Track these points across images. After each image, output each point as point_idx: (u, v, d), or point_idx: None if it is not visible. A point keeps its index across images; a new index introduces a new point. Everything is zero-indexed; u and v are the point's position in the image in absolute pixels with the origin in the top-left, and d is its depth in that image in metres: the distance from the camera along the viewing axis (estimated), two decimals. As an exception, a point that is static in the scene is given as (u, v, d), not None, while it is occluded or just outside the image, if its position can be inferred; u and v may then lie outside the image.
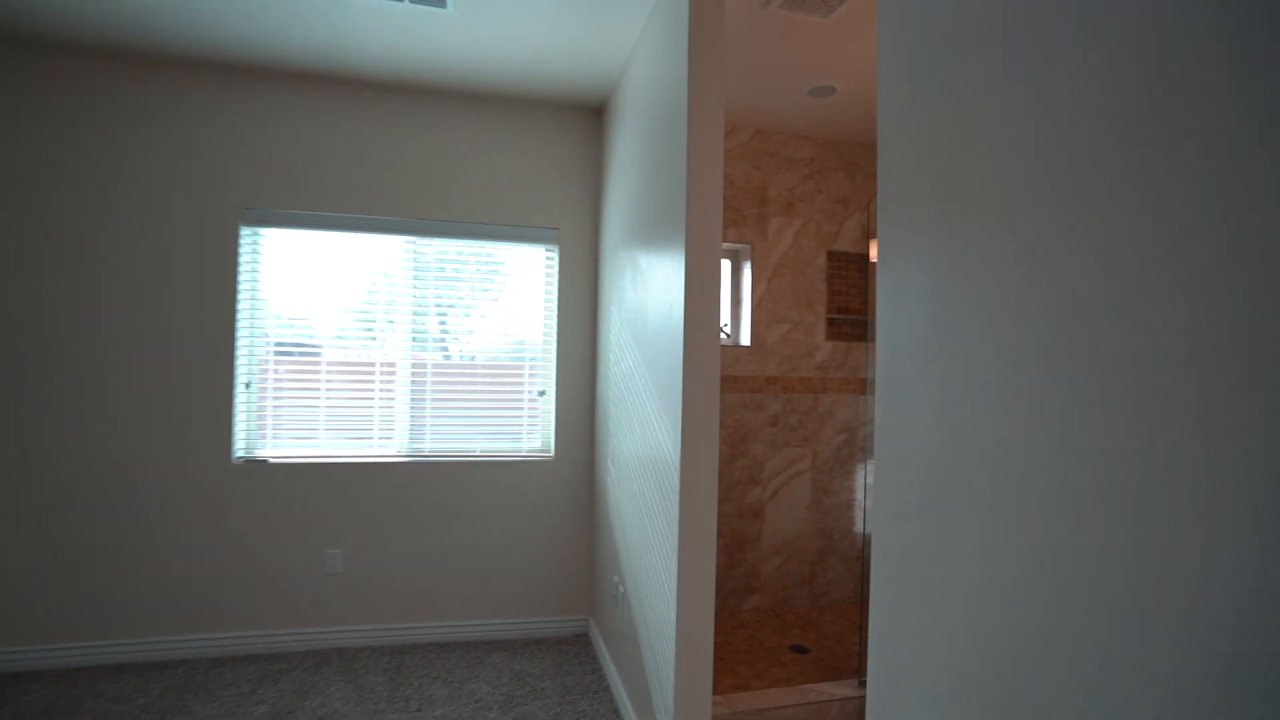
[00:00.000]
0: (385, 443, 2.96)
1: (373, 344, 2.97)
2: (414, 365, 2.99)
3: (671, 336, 1.93)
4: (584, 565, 3.12)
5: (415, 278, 3.00)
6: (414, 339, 2.99)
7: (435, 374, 3.02)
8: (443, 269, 3.03)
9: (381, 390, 2.96)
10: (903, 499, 0.91)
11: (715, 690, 2.48)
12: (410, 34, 2.46)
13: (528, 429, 3.10)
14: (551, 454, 3.09)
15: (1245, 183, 0.49)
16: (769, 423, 3.36)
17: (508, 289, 3.10)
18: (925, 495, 0.86)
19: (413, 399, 2.98)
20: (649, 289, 2.20)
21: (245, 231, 2.81)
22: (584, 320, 3.12)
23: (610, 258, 2.85)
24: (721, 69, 1.89)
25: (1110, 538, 0.59)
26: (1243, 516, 0.48)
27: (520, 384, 3.10)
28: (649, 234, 2.22)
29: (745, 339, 3.36)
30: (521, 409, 3.09)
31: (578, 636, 3.05)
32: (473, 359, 3.07)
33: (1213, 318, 0.51)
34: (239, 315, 2.79)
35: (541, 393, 3.11)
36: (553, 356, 3.11)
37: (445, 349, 3.05)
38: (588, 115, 3.14)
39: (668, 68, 2.04)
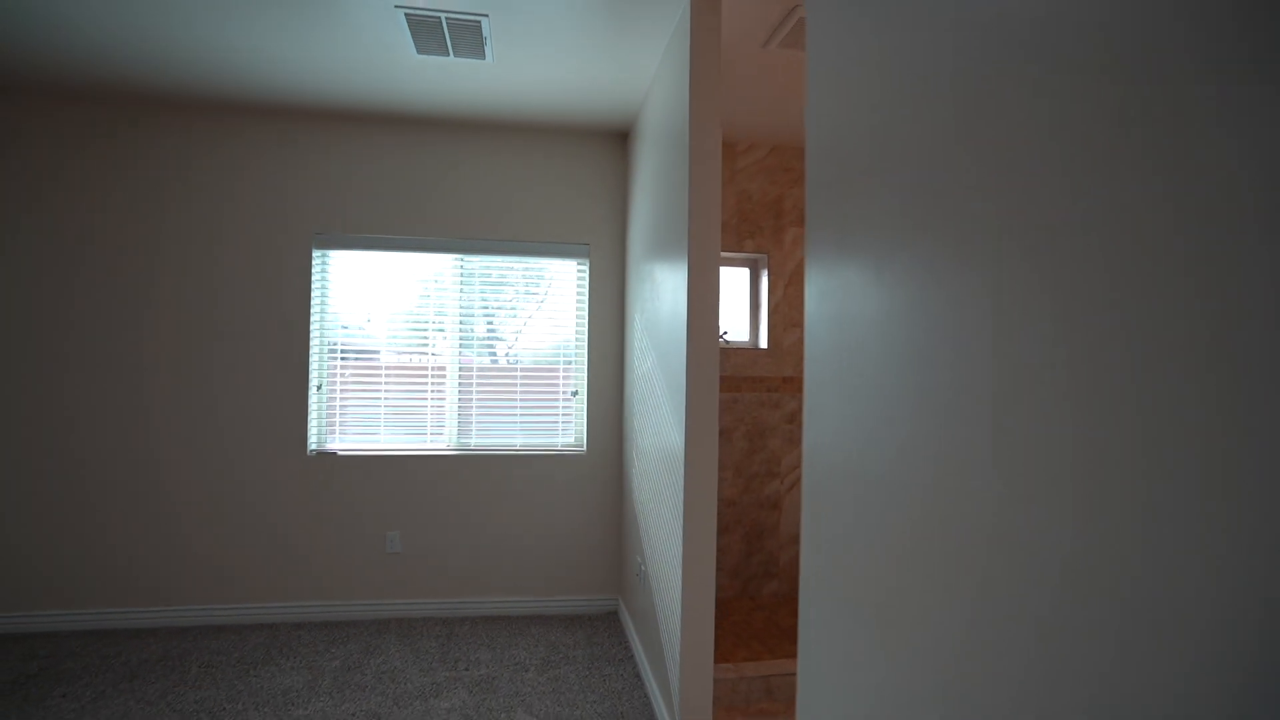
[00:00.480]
0: (437, 437, 3.33)
1: (425, 349, 3.34)
2: (461, 368, 3.36)
3: (677, 339, 2.21)
4: (613, 549, 3.41)
5: (461, 290, 3.36)
6: (461, 344, 3.36)
7: (480, 376, 3.37)
8: (486, 281, 3.38)
9: (433, 390, 3.33)
10: (816, 480, 1.16)
11: (730, 660, 2.73)
12: (456, 79, 2.81)
13: (562, 425, 3.42)
14: (584, 448, 3.40)
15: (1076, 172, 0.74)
16: (786, 420, 3.58)
17: (544, 299, 3.43)
18: (827, 479, 1.11)
19: (460, 398, 3.35)
20: (661, 297, 2.49)
21: (316, 254, 3.23)
22: (612, 327, 3.43)
23: (634, 269, 3.14)
24: (717, 101, 2.15)
25: (972, 518, 0.84)
26: (1107, 498, 0.72)
27: (556, 385, 3.42)
28: (661, 246, 2.50)
29: (763, 342, 3.59)
30: (557, 407, 3.42)
31: (608, 614, 3.35)
32: (515, 362, 3.41)
33: (1066, 324, 0.76)
34: (311, 326, 3.21)
35: (574, 392, 3.42)
36: (584, 360, 3.42)
37: (492, 352, 3.40)
38: (614, 140, 3.44)
39: (674, 100, 2.32)
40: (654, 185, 2.70)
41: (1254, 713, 0.44)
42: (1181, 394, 0.50)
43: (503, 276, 3.40)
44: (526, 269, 3.42)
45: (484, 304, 3.38)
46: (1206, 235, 0.48)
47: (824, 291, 1.15)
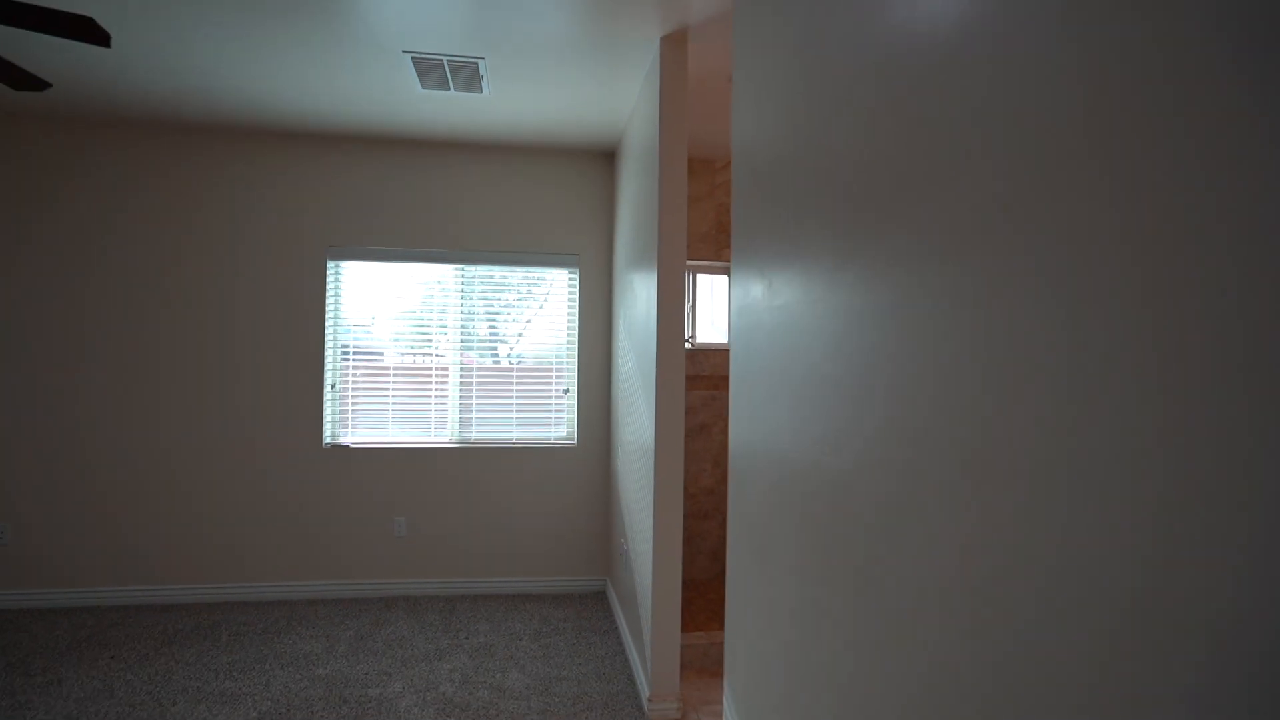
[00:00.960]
0: (440, 431, 3.65)
1: (429, 351, 3.66)
2: (463, 367, 3.67)
3: (649, 341, 2.51)
4: (602, 533, 3.72)
5: (462, 296, 3.67)
6: (462, 345, 3.67)
7: (480, 374, 3.69)
8: (487, 287, 3.70)
9: (437, 387, 3.65)
10: (736, 465, 1.46)
11: (704, 629, 3.03)
12: (456, 109, 3.13)
13: (555, 421, 3.73)
14: (575, 442, 3.72)
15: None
16: (762, 415, 3.87)
17: (542, 304, 3.75)
18: (743, 462, 1.41)
19: (461, 395, 3.66)
20: (638, 303, 2.79)
21: (330, 265, 3.55)
22: (601, 330, 3.74)
23: (619, 278, 3.44)
24: (684, 130, 2.46)
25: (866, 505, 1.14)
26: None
27: (549, 383, 3.73)
28: (638, 257, 2.81)
29: (741, 343, 3.89)
30: (550, 404, 3.73)
31: (597, 593, 3.66)
32: (513, 361, 3.73)
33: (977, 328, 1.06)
34: (326, 330, 3.53)
35: (565, 390, 3.73)
36: (575, 361, 3.73)
37: (494, 352, 3.72)
38: (601, 159, 3.75)
39: (648, 127, 2.63)
40: (633, 201, 3.00)
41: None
42: (1028, 373, 0.66)
43: (501, 284, 3.71)
44: (523, 278, 3.73)
45: (486, 308, 3.70)
46: (1035, 234, 0.78)
47: (739, 306, 1.45)
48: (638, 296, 2.80)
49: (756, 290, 1.34)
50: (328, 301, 3.53)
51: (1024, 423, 0.60)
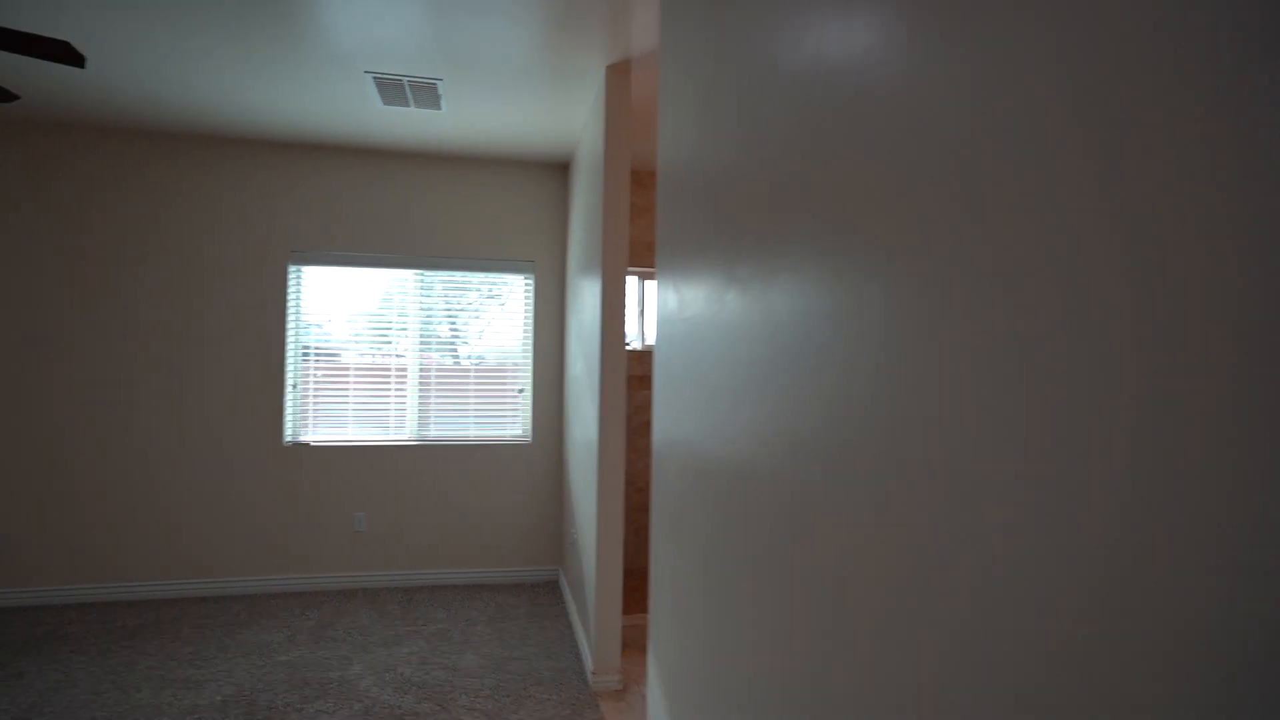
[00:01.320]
0: (399, 429, 3.80)
1: (388, 352, 3.81)
2: (421, 368, 3.83)
3: (595, 344, 2.73)
4: (554, 526, 3.93)
5: (422, 299, 3.83)
6: (421, 346, 3.83)
7: (439, 375, 3.85)
8: (448, 289, 3.86)
9: (396, 388, 3.80)
10: (658, 456, 1.69)
11: (645, 612, 3.26)
12: (416, 123, 3.30)
13: (512, 419, 3.92)
14: (529, 439, 3.91)
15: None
16: (707, 414, 4.13)
17: (496, 308, 3.93)
18: (664, 453, 1.64)
19: (420, 394, 3.82)
20: (585, 308, 3.01)
21: (292, 269, 3.67)
22: (554, 333, 3.94)
23: (571, 284, 3.65)
24: (627, 148, 2.68)
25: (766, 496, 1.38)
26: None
27: (506, 384, 3.92)
28: (586, 265, 3.03)
29: (688, 346, 4.14)
30: (507, 403, 3.91)
31: (549, 582, 3.86)
32: (470, 362, 3.90)
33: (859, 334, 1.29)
34: (288, 332, 3.65)
35: (521, 390, 3.93)
36: (530, 362, 3.92)
37: (454, 353, 3.88)
38: (556, 170, 3.96)
39: (596, 144, 2.85)
40: (583, 213, 3.22)
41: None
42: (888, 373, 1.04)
43: (463, 285, 3.88)
44: (480, 282, 3.91)
45: (447, 309, 3.86)
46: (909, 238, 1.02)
47: (660, 316, 1.69)
48: (585, 302, 3.02)
49: (671, 303, 1.57)
50: (289, 304, 3.65)
51: (889, 422, 0.68)
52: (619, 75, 2.68)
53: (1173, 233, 0.38)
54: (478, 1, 2.21)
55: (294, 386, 3.70)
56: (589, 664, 2.67)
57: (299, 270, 3.69)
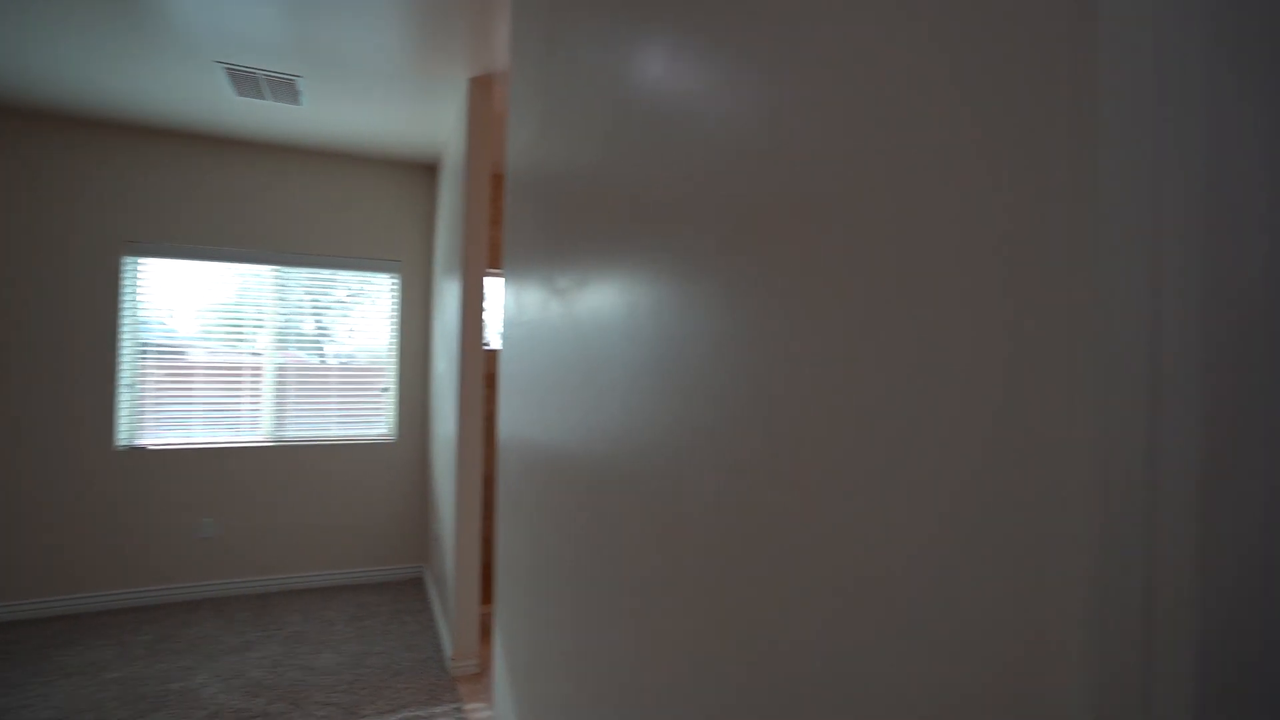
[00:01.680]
0: (253, 430, 3.66)
1: (241, 350, 3.65)
2: (279, 365, 3.71)
3: (455, 343, 2.84)
4: (419, 523, 3.95)
5: (283, 296, 3.71)
6: (280, 343, 3.71)
7: (299, 373, 3.75)
8: (314, 286, 3.76)
9: (250, 388, 3.65)
10: (503, 450, 1.86)
11: (511, 604, 3.40)
12: (274, 115, 3.22)
13: (377, 418, 3.90)
14: (394, 437, 3.91)
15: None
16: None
17: (361, 307, 3.89)
18: (507, 448, 1.82)
19: (277, 394, 3.70)
20: (448, 309, 3.10)
21: (129, 260, 3.42)
22: (420, 332, 3.97)
23: (437, 284, 3.71)
24: (488, 157, 2.82)
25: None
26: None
27: (371, 382, 3.89)
28: (449, 267, 3.12)
29: (556, 347, 4.32)
30: (372, 402, 3.88)
31: (414, 579, 3.88)
32: (337, 361, 3.83)
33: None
34: (123, 329, 3.40)
35: (386, 389, 3.91)
36: (396, 361, 3.92)
37: (320, 351, 3.79)
38: (424, 171, 3.99)
39: (459, 148, 2.96)
40: (448, 215, 3.31)
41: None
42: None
43: (327, 285, 3.80)
44: (345, 280, 3.85)
45: (312, 307, 3.76)
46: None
47: (505, 318, 1.86)
48: (448, 302, 3.12)
49: (513, 306, 1.75)
50: (124, 298, 3.41)
51: (667, 422, 0.81)
52: (481, 87, 2.81)
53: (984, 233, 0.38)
54: (337, 7, 2.27)
55: (130, 386, 3.45)
56: (449, 651, 2.78)
57: (135, 262, 3.45)
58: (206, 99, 3.03)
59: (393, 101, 3.05)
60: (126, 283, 3.42)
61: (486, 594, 3.45)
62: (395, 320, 3.94)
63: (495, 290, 4.16)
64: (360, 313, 3.89)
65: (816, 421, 0.53)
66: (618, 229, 1.07)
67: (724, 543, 0.68)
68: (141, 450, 3.43)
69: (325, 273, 3.80)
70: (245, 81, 2.83)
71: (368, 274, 3.88)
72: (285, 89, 2.90)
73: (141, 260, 3.46)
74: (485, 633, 3.11)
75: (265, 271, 3.69)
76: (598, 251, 1.15)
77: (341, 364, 3.84)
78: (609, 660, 1.03)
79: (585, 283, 1.24)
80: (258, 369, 3.67)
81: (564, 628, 1.30)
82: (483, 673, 2.73)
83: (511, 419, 1.77)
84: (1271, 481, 0.27)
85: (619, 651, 0.99)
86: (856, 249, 0.48)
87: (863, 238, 0.47)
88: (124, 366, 3.43)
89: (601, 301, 1.14)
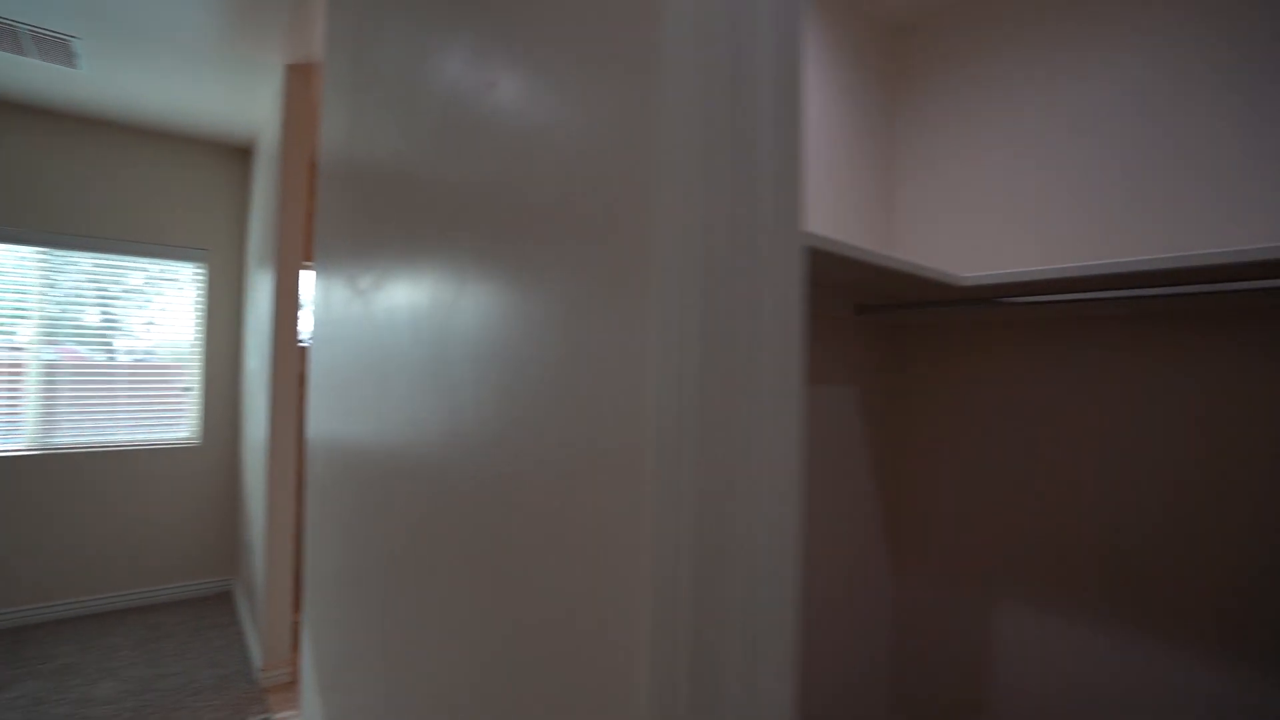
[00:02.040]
0: (10, 438, 3.17)
1: (4, 338, 3.15)
2: (47, 363, 3.24)
3: (267, 339, 2.70)
4: (228, 533, 3.65)
5: (50, 284, 3.25)
6: (47, 338, 3.24)
7: (75, 372, 3.30)
8: (91, 278, 3.32)
9: (5, 389, 3.15)
10: (311, 445, 1.85)
11: (332, 611, 3.27)
12: (47, 77, 2.83)
13: (178, 420, 3.54)
14: (200, 441, 3.58)
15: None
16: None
17: (162, 298, 3.51)
18: (314, 441, 1.81)
19: (44, 395, 3.23)
20: (261, 302, 2.94)
21: None
22: (230, 327, 3.67)
23: (250, 276, 3.47)
24: (305, 147, 2.72)
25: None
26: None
27: (173, 381, 3.52)
28: (263, 258, 2.95)
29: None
30: (172, 403, 3.52)
31: (222, 594, 3.59)
32: (130, 357, 3.41)
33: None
34: None
35: (189, 388, 3.57)
36: (201, 357, 3.59)
37: (108, 346, 3.34)
38: (236, 155, 3.70)
39: (274, 134, 2.81)
40: (262, 204, 3.12)
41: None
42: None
43: (117, 273, 3.38)
44: (144, 267, 3.45)
45: (99, 296, 3.32)
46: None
47: (316, 313, 1.85)
48: (261, 296, 2.94)
49: (323, 302, 1.76)
50: None
51: (456, 421, 1.13)
52: (299, 75, 2.71)
53: None
54: (123, -28, 2.08)
55: None
56: (258, 662, 2.63)
57: None
58: (-50, 50, 2.60)
59: (198, 79, 2.82)
60: None
61: (298, 603, 3.29)
62: (201, 313, 3.61)
63: (310, 285, 3.96)
64: (160, 304, 3.51)
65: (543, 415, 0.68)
66: (410, 231, 1.16)
67: (477, 533, 0.81)
68: None
69: (113, 258, 3.39)
70: (5, 35, 2.47)
71: (168, 262, 3.52)
72: (58, 49, 2.57)
73: None
74: (298, 641, 2.97)
75: (29, 253, 3.21)
76: (393, 253, 1.23)
77: (136, 361, 3.44)
78: (400, 648, 1.12)
79: (382, 283, 1.31)
80: (17, 365, 3.19)
81: (362, 624, 1.35)
82: (295, 681, 2.63)
83: (319, 418, 1.76)
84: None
85: (403, 639, 1.09)
86: (577, 254, 0.63)
87: (579, 245, 0.62)
88: None
89: (393, 302, 1.22)
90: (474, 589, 0.81)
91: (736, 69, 0.53)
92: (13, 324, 3.17)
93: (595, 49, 0.57)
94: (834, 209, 2.05)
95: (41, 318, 3.24)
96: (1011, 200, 1.91)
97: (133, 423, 3.43)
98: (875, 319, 2.12)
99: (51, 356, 3.26)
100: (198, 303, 3.61)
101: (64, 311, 3.29)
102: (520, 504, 0.67)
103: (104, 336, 3.39)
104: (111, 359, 3.40)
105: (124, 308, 3.44)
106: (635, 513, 0.49)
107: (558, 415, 0.61)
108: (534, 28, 0.68)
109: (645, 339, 0.50)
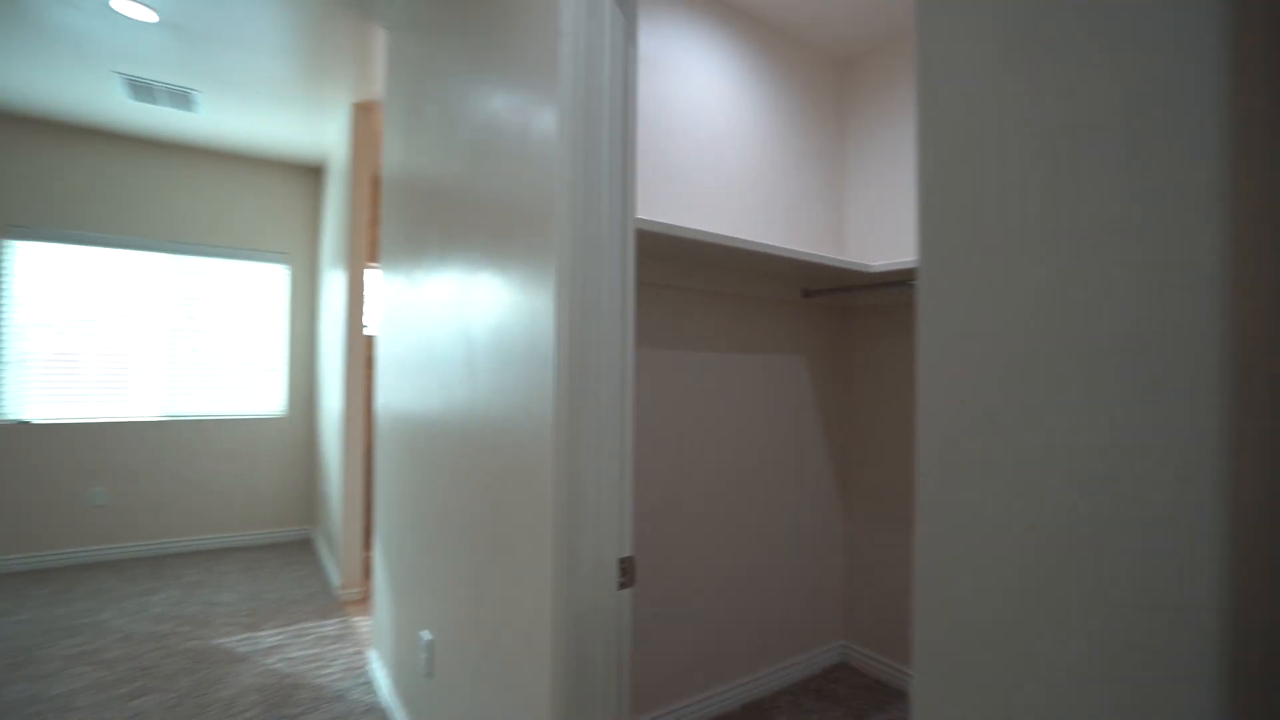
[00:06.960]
0: (146, 404, 3.95)
1: (131, 331, 3.93)
2: (171, 347, 4.02)
3: (340, 329, 3.36)
4: (307, 490, 4.39)
5: (172, 284, 4.02)
6: (170, 327, 4.02)
7: (191, 352, 4.07)
8: (200, 278, 4.08)
9: (144, 362, 3.94)
10: (381, 417, 2.47)
11: (393, 551, 3.95)
12: (170, 119, 3.56)
13: (269, 395, 4.28)
14: (285, 413, 4.32)
15: (398, 295, 2.11)
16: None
17: (254, 294, 4.25)
18: (383, 413, 2.42)
19: (170, 370, 4.01)
20: (334, 298, 3.61)
21: (8, 244, 3.63)
22: (307, 318, 4.39)
23: (323, 275, 4.17)
24: (369, 167, 3.36)
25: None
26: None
27: (263, 363, 4.27)
28: (335, 261, 3.62)
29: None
30: (262, 380, 4.27)
31: (302, 541, 4.33)
32: (226, 344, 4.17)
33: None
34: (3, 307, 3.61)
35: (274, 370, 4.31)
36: (286, 342, 4.33)
37: (211, 334, 4.11)
38: (310, 173, 4.40)
39: (343, 160, 3.46)
40: (334, 215, 3.79)
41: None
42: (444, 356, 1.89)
43: (218, 274, 4.14)
44: (238, 269, 4.20)
45: (207, 294, 4.08)
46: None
47: (382, 312, 2.46)
48: (333, 292, 3.62)
49: (387, 297, 2.37)
50: (6, 282, 3.61)
51: (473, 401, 1.72)
52: (363, 111, 3.34)
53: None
54: (233, 41, 2.74)
55: (10, 363, 3.66)
56: (336, 582, 3.32)
57: (12, 245, 3.66)
58: (104, 98, 3.34)
59: (285, 114, 3.50)
60: (4, 263, 3.63)
61: (367, 542, 3.98)
62: (286, 307, 4.34)
63: (375, 282, 4.64)
64: (252, 300, 4.25)
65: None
66: (445, 233, 1.73)
67: (490, 480, 1.39)
68: (26, 425, 3.66)
69: (217, 261, 4.14)
70: (142, 89, 3.19)
71: (258, 262, 4.25)
72: (182, 99, 3.28)
73: (26, 243, 3.67)
74: (366, 572, 3.65)
75: (158, 259, 3.98)
76: (434, 255, 1.82)
77: (236, 347, 4.19)
78: (439, 567, 1.72)
79: (427, 278, 1.89)
80: (150, 349, 3.96)
81: (415, 552, 1.95)
82: (366, 599, 3.30)
83: (385, 392, 2.38)
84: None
85: (442, 561, 1.69)
86: (527, 242, 1.20)
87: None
88: (5, 342, 3.63)
89: (432, 295, 1.80)
90: (482, 516, 1.40)
91: (590, 129, 1.07)
92: (146, 316, 3.95)
93: (539, 116, 1.14)
94: (785, 214, 2.54)
95: (164, 311, 4.01)
96: (919, 205, 2.37)
97: (234, 397, 4.19)
98: (820, 301, 2.61)
99: (173, 342, 4.03)
100: (282, 299, 4.33)
101: (180, 305, 4.05)
102: (501, 447, 1.24)
103: (211, 327, 4.15)
104: (216, 345, 4.16)
105: (225, 304, 4.19)
106: (546, 431, 1.06)
107: (522, 379, 1.19)
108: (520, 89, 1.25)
109: (554, 296, 1.06)
